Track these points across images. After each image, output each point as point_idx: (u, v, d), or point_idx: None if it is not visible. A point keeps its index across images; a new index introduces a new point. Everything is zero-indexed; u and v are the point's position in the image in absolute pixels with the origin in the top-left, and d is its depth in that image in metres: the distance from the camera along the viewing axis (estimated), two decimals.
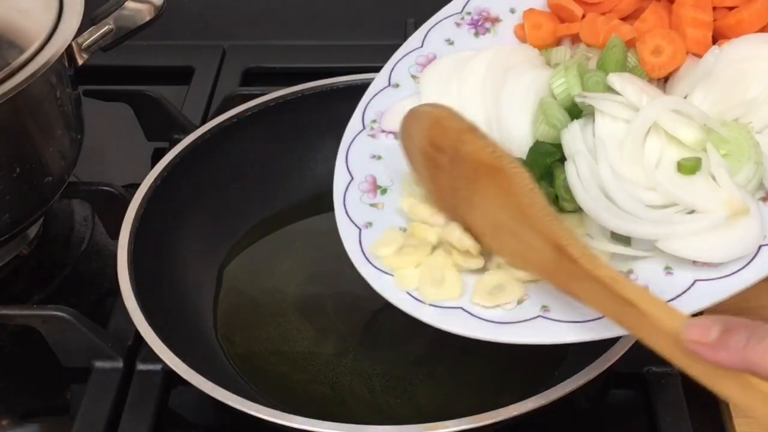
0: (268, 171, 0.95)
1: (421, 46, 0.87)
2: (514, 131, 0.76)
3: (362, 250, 0.76)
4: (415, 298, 0.72)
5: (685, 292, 0.65)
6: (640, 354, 0.74)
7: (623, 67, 0.75)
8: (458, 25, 0.86)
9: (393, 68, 0.87)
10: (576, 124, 0.73)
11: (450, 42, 0.86)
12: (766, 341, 0.50)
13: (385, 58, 0.90)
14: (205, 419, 0.83)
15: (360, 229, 0.77)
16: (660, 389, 0.79)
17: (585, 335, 0.66)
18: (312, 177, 0.96)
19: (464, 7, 0.88)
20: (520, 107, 0.76)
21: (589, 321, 0.66)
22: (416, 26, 0.97)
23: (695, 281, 0.66)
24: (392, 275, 0.73)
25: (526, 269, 0.68)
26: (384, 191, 0.80)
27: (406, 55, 0.87)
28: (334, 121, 0.91)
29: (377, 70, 0.90)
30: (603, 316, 0.63)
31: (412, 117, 0.71)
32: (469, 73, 0.81)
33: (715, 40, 0.76)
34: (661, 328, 0.55)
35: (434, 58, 0.86)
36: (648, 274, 0.67)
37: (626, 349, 0.72)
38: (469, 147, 0.66)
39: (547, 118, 0.74)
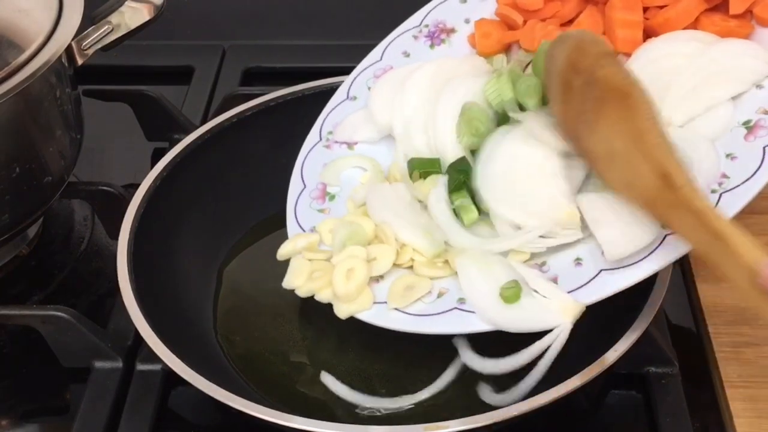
0: (268, 171, 0.95)
1: (380, 59, 0.91)
2: (447, 140, 0.79)
3: None
4: None
5: (590, 281, 0.71)
6: (640, 354, 0.75)
7: None
8: (416, 38, 0.89)
9: (352, 82, 0.91)
10: (498, 133, 0.77)
11: (407, 54, 0.89)
12: None
13: None
14: (205, 419, 0.83)
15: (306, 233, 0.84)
16: (660, 389, 0.79)
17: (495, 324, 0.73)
18: None
19: (423, 20, 0.91)
20: (453, 118, 0.79)
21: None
22: None
23: (600, 271, 0.71)
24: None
25: (628, 197, 0.70)
26: (332, 197, 0.86)
27: (366, 69, 0.91)
28: None
29: None
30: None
31: (558, 40, 0.75)
32: (412, 84, 0.84)
33: (648, 38, 0.79)
34: (742, 262, 0.59)
35: (389, 70, 0.89)
36: (559, 264, 0.73)
37: (626, 349, 0.72)
38: (606, 70, 0.70)
39: (469, 128, 0.79)
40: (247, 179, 0.95)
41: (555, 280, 0.72)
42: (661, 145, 0.67)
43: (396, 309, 0.77)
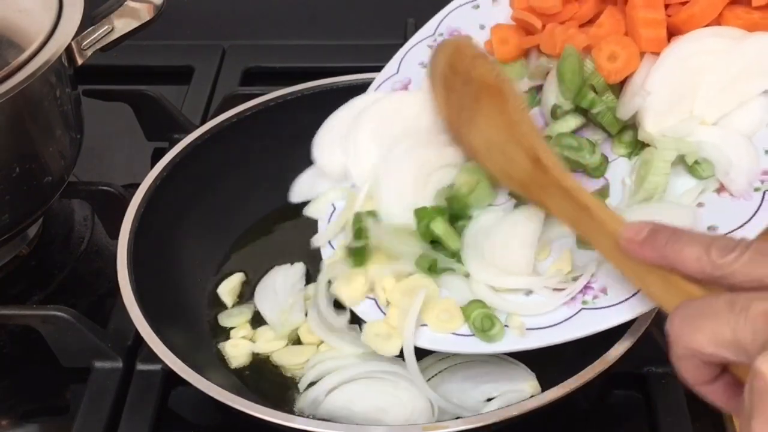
0: (268, 170, 0.95)
1: (397, 72, 0.90)
2: (392, 211, 0.79)
3: None
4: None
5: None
6: (640, 354, 0.75)
7: (580, 75, 0.77)
8: (431, 47, 0.87)
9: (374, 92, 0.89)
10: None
11: (424, 65, 0.87)
12: (683, 241, 0.58)
13: (385, 58, 0.90)
14: (205, 419, 0.83)
15: None
16: (660, 389, 0.79)
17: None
18: None
19: (437, 28, 0.90)
20: (398, 196, 0.79)
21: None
22: (416, 26, 0.98)
23: None
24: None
25: (507, 183, 0.76)
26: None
27: (384, 82, 0.89)
28: None
29: (377, 69, 0.90)
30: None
31: (440, 47, 0.82)
32: (355, 137, 0.83)
33: (672, 36, 0.78)
34: (606, 230, 0.65)
35: (409, 83, 0.88)
36: (608, 275, 0.71)
37: (626, 349, 0.72)
38: (479, 70, 0.77)
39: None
40: (246, 179, 0.95)
41: (604, 291, 0.71)
42: (531, 132, 0.73)
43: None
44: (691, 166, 0.73)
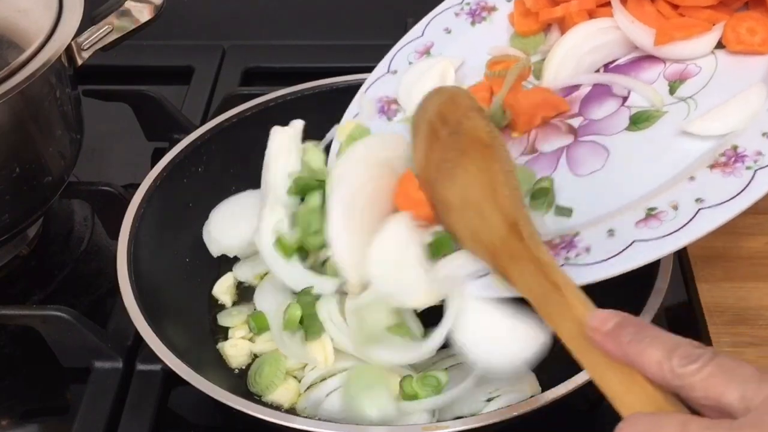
0: None
1: (422, 35, 0.91)
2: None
3: None
4: None
5: (623, 251, 0.70)
6: None
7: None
8: (457, 15, 0.89)
9: (393, 56, 0.91)
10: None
11: (448, 31, 0.88)
12: (646, 342, 0.54)
13: (383, 59, 0.91)
14: (205, 419, 0.83)
15: None
16: None
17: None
18: None
19: None
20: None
21: None
22: None
23: (633, 242, 0.70)
24: None
25: (472, 248, 0.72)
26: None
27: (407, 44, 0.91)
28: (334, 121, 0.92)
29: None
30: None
31: (433, 92, 0.77)
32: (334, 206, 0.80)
33: None
34: (574, 314, 0.60)
35: (432, 46, 0.90)
36: (593, 236, 0.72)
37: None
38: (472, 122, 0.73)
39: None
40: (247, 179, 0.94)
41: (588, 250, 0.71)
42: (514, 196, 0.70)
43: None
44: None
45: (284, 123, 0.95)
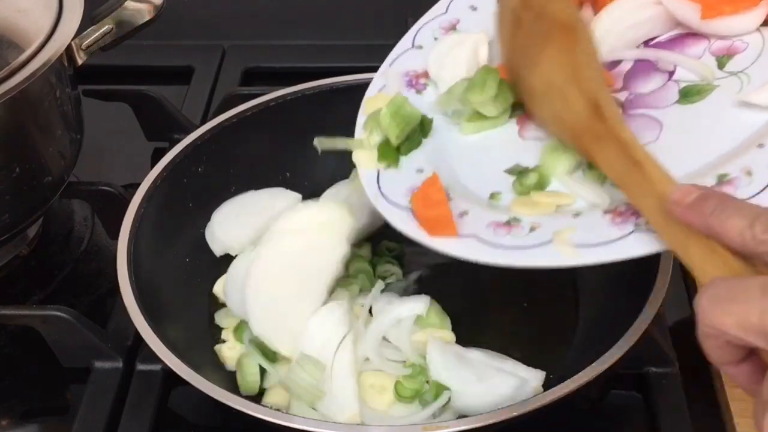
0: (268, 170, 0.95)
1: (446, 12, 0.90)
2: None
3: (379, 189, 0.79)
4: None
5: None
6: (640, 354, 0.75)
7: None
8: None
9: (418, 31, 0.90)
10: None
11: (474, 8, 0.88)
12: (728, 212, 0.56)
13: (385, 58, 0.90)
14: (205, 419, 0.83)
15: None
16: (660, 389, 0.79)
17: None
18: (311, 176, 0.96)
19: None
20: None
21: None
22: None
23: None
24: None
25: (557, 131, 0.73)
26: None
27: (432, 20, 0.90)
28: (334, 121, 0.91)
29: (377, 70, 0.90)
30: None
31: None
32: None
33: None
34: (656, 189, 0.62)
35: (457, 22, 0.89)
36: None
37: (626, 349, 0.72)
38: (554, 5, 0.74)
39: None
40: (246, 179, 0.94)
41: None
42: (597, 78, 0.71)
43: (482, 241, 0.73)
44: None
45: (284, 123, 0.95)
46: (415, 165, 0.79)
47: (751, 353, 0.53)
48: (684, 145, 0.75)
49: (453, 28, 0.89)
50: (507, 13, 0.77)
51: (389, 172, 0.79)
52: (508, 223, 0.72)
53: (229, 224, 0.91)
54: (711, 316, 0.51)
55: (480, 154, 0.79)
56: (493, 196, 0.75)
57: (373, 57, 0.94)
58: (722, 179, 0.68)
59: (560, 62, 0.71)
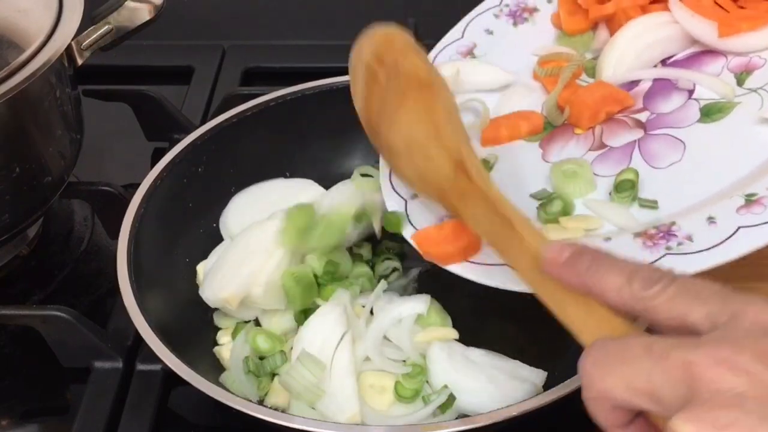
0: (268, 171, 0.95)
1: (462, 37, 0.90)
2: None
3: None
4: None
5: (729, 237, 0.67)
6: None
7: None
8: (497, 16, 0.87)
9: (434, 59, 0.90)
10: None
11: (489, 32, 0.87)
12: (604, 269, 0.53)
13: None
14: (205, 419, 0.83)
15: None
16: None
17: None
18: (312, 177, 0.95)
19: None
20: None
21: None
22: (416, 26, 0.97)
23: (738, 228, 0.67)
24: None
25: (422, 189, 0.72)
26: None
27: (448, 45, 0.90)
28: (334, 121, 0.92)
29: None
30: None
31: (367, 34, 0.76)
32: None
33: None
34: (527, 248, 0.60)
35: (474, 47, 0.89)
36: (692, 224, 0.69)
37: None
38: (410, 60, 0.71)
39: None
40: (247, 179, 0.94)
41: (689, 238, 0.68)
42: (458, 134, 0.69)
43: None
44: None
45: (284, 123, 0.95)
46: None
47: (638, 415, 0.51)
48: (708, 164, 0.74)
49: (470, 53, 0.88)
50: (361, 67, 0.75)
51: (416, 201, 0.79)
52: None
53: (246, 214, 0.90)
54: (597, 381, 0.49)
55: (506, 179, 0.78)
56: None
57: None
58: (750, 199, 0.68)
59: (420, 120, 0.69)
